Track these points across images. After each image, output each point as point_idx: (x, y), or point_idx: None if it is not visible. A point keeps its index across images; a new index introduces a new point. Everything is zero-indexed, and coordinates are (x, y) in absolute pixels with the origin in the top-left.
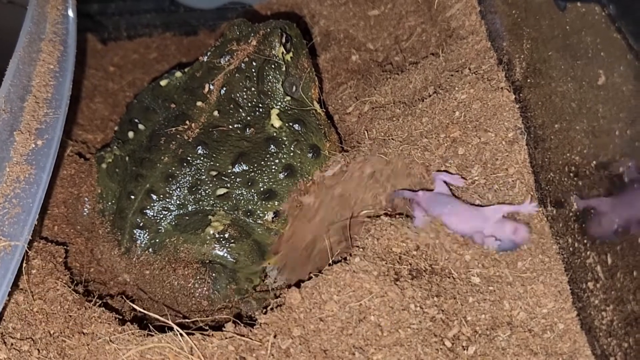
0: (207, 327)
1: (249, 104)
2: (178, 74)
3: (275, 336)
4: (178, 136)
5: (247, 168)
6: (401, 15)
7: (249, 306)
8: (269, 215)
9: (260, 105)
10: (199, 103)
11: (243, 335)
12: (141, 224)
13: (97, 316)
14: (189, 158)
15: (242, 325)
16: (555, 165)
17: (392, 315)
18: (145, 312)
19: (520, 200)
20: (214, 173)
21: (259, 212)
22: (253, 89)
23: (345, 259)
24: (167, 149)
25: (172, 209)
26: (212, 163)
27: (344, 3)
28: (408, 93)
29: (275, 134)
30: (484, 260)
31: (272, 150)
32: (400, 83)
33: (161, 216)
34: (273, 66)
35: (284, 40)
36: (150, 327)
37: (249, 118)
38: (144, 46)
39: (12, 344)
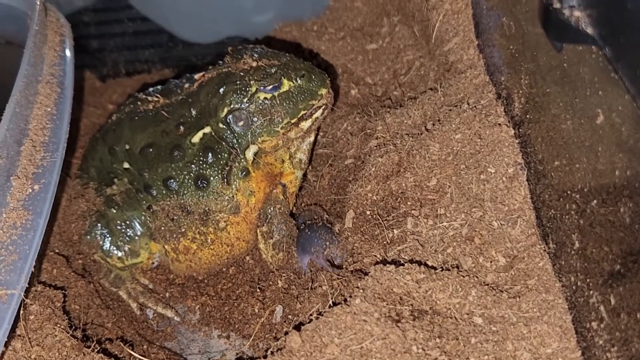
0: None
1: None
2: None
3: None
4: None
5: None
6: (399, 49)
7: None
8: None
9: (201, 117)
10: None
11: None
12: None
13: None
14: None
15: None
16: (556, 202)
17: (394, 357)
18: (144, 359)
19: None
20: None
21: None
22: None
23: (345, 300)
24: None
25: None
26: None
27: (342, 37)
28: (406, 128)
29: (185, 146)
30: (487, 300)
31: (176, 156)
32: (399, 118)
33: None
34: (238, 89)
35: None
36: None
37: (190, 120)
38: (143, 83)
39: None
